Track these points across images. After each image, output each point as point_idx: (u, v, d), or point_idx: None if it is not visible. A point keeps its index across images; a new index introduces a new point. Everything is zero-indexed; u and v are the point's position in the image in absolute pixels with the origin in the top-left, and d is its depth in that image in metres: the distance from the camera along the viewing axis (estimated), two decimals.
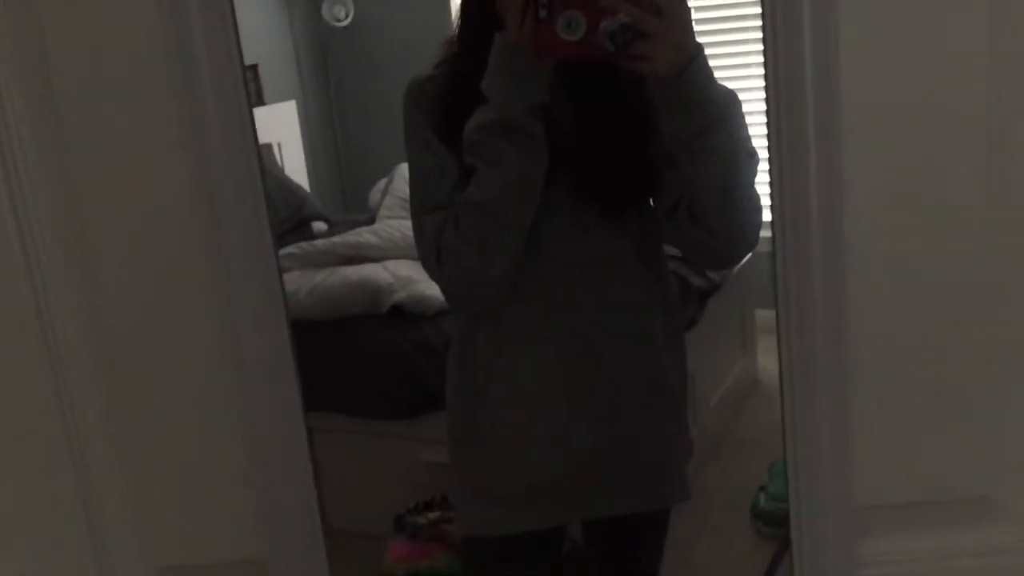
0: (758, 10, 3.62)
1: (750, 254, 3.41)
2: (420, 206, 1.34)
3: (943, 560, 0.99)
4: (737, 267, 3.25)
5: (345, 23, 4.53)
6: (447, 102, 1.30)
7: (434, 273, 1.33)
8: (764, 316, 3.60)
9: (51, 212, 1.05)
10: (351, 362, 2.72)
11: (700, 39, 1.20)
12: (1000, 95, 0.88)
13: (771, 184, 0.96)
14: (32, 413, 1.11)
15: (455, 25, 1.37)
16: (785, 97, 0.95)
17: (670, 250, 1.44)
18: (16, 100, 1.01)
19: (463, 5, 1.35)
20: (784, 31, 0.91)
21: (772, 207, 0.99)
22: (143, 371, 1.12)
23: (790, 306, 1.00)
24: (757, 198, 1.28)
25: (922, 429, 0.98)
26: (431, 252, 1.30)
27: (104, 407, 1.12)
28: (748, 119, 1.25)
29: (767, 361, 3.58)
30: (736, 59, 3.97)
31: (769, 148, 0.96)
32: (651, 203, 1.38)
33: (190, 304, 1.10)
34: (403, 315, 2.76)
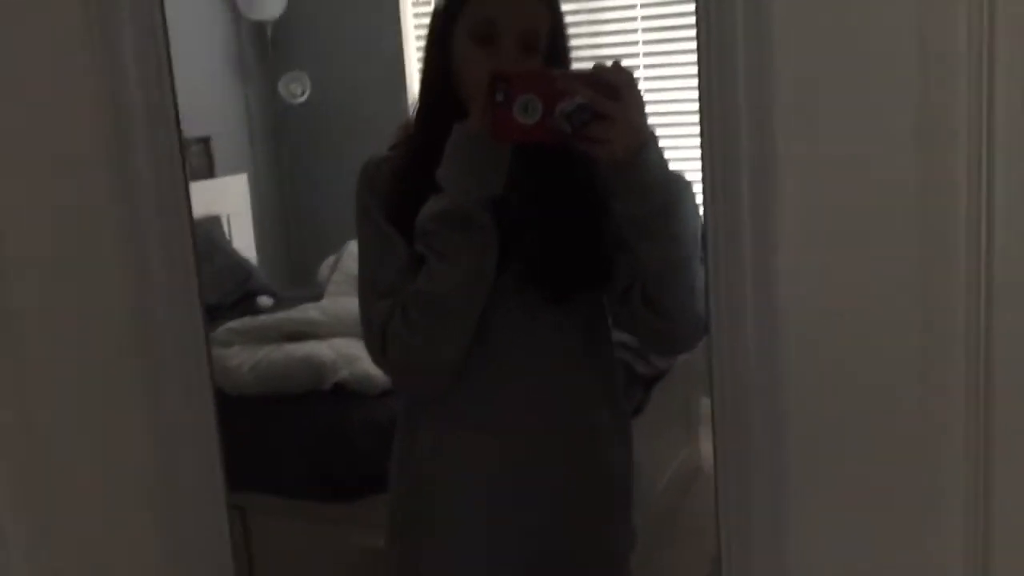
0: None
1: (696, 345, 3.43)
2: (367, 289, 1.32)
3: None
4: (681, 356, 3.26)
5: (301, 100, 4.56)
6: (401, 186, 1.30)
7: (378, 358, 1.31)
8: (708, 404, 3.62)
9: None
10: (291, 440, 2.66)
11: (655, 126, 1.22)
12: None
13: (707, 271, 0.97)
14: None
15: (412, 108, 1.38)
16: (721, 184, 0.96)
17: (616, 337, 1.44)
18: None
19: (422, 89, 1.36)
20: (720, 112, 0.93)
21: (707, 299, 0.99)
22: (59, 430, 1.08)
23: (725, 395, 1.00)
24: None
25: (858, 525, 0.98)
26: (376, 338, 1.29)
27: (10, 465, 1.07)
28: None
29: (711, 449, 3.57)
30: (686, 151, 4.06)
31: (706, 233, 0.97)
32: (601, 299, 1.38)
33: (113, 370, 1.07)
34: (347, 393, 2.72)
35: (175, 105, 1.01)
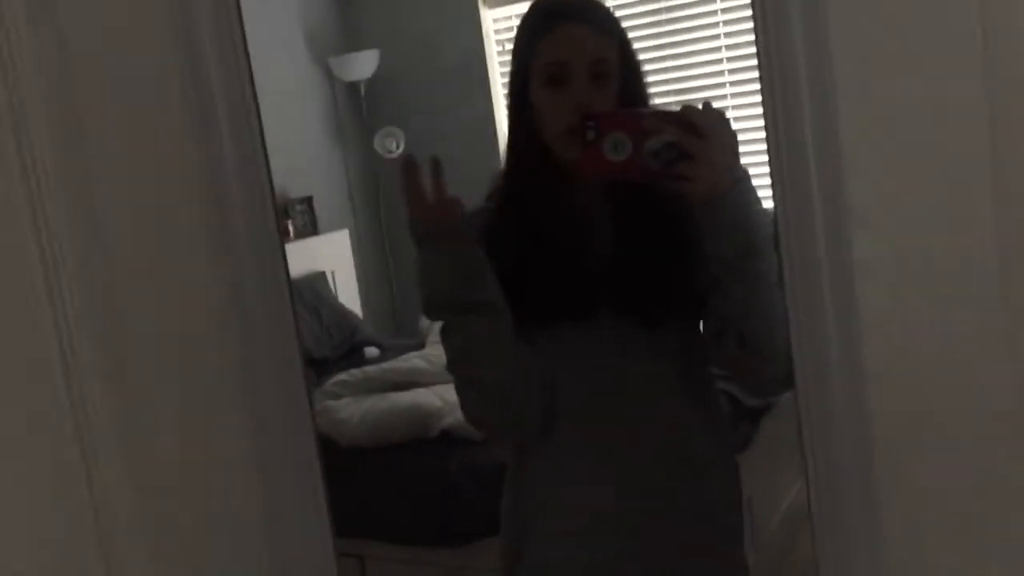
0: None
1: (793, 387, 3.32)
2: None
3: None
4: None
5: (396, 154, 4.69)
6: (499, 236, 1.33)
7: (460, 408, 1.36)
8: None
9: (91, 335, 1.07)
10: (401, 487, 2.71)
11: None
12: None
13: (789, 316, 0.96)
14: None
15: (503, 158, 1.42)
16: (795, 231, 0.94)
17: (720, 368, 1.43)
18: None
19: (509, 144, 1.40)
20: (788, 167, 0.93)
21: (794, 360, 0.99)
22: (168, 492, 1.12)
23: (816, 441, 0.98)
24: None
25: (957, 553, 0.95)
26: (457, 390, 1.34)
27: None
28: None
29: None
30: None
31: (788, 297, 0.96)
32: (697, 324, 1.38)
33: (219, 421, 1.11)
34: (453, 440, 2.75)
35: (268, 169, 1.07)
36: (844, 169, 0.89)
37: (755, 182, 1.22)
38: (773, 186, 0.92)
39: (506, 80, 4.74)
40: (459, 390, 1.31)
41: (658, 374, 1.35)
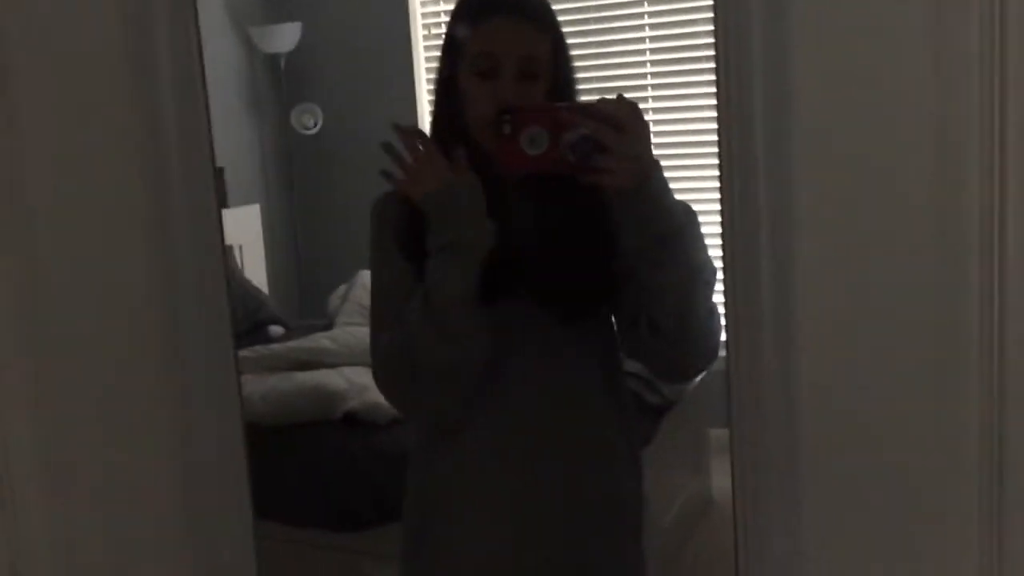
0: (715, 137, 3.67)
1: (705, 372, 3.42)
2: (378, 318, 1.35)
3: None
4: (691, 386, 3.26)
5: (313, 131, 4.61)
6: (410, 221, 1.32)
7: (381, 388, 1.35)
8: (719, 435, 3.61)
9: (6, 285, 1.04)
10: (301, 469, 2.67)
11: (662, 162, 1.25)
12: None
13: (725, 300, 0.98)
14: None
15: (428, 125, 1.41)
16: (739, 218, 0.97)
17: (627, 367, 1.45)
18: None
19: (433, 128, 1.39)
20: (738, 139, 0.95)
21: (726, 324, 1.01)
22: (89, 470, 1.09)
23: (743, 425, 1.01)
24: (716, 310, 1.31)
25: (875, 550, 0.98)
26: (375, 368, 1.33)
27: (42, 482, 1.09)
28: (707, 238, 1.29)
29: (721, 481, 3.57)
30: (692, 183, 4.08)
31: (724, 267, 0.98)
32: (611, 319, 1.40)
33: (143, 396, 1.08)
34: (357, 423, 2.73)
35: (210, 133, 1.04)
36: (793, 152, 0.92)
37: (666, 173, 1.24)
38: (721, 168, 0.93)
39: (429, 65, 4.71)
40: (427, 342, 1.25)
41: (573, 366, 1.37)
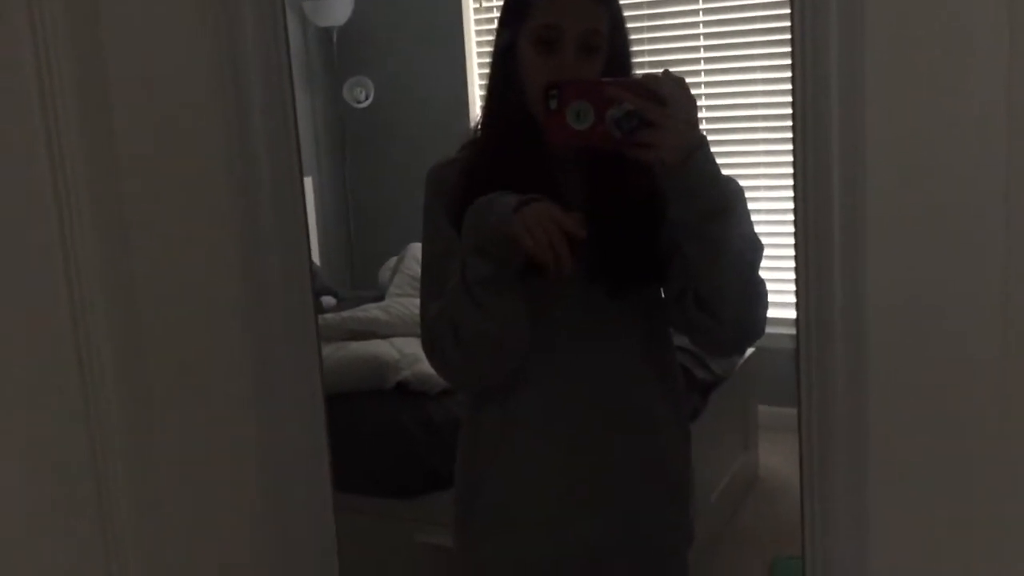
0: (769, 111, 3.68)
1: (753, 349, 3.41)
2: (428, 288, 1.37)
3: None
4: (740, 362, 3.26)
5: (365, 104, 4.64)
6: (465, 189, 1.34)
7: (427, 356, 1.37)
8: (766, 412, 3.60)
9: (99, 257, 1.08)
10: (353, 438, 2.72)
11: (712, 138, 1.25)
12: None
13: (796, 279, 0.99)
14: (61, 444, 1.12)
15: (478, 114, 1.42)
16: (812, 197, 0.97)
17: (676, 342, 1.46)
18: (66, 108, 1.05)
19: (488, 97, 1.40)
20: (813, 125, 0.95)
21: (797, 304, 1.02)
22: (176, 436, 1.13)
23: (812, 400, 1.01)
24: (762, 286, 1.31)
25: (944, 526, 0.99)
26: (426, 338, 1.35)
27: (132, 461, 1.13)
28: (753, 215, 1.29)
29: (768, 458, 3.56)
30: (744, 158, 4.05)
31: (796, 244, 0.99)
32: (659, 293, 1.41)
33: (225, 369, 1.12)
34: (408, 393, 2.77)
35: (294, 105, 1.07)
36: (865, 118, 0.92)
37: (716, 149, 1.25)
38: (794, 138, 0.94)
39: (480, 39, 4.70)
40: (459, 345, 1.29)
41: (622, 337, 1.39)
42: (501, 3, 1.38)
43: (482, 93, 1.44)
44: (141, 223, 1.09)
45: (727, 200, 1.24)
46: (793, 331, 1.02)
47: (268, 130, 1.06)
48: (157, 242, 1.10)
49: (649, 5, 4.16)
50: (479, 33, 4.56)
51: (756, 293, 1.30)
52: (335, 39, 4.62)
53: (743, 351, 3.01)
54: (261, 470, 1.14)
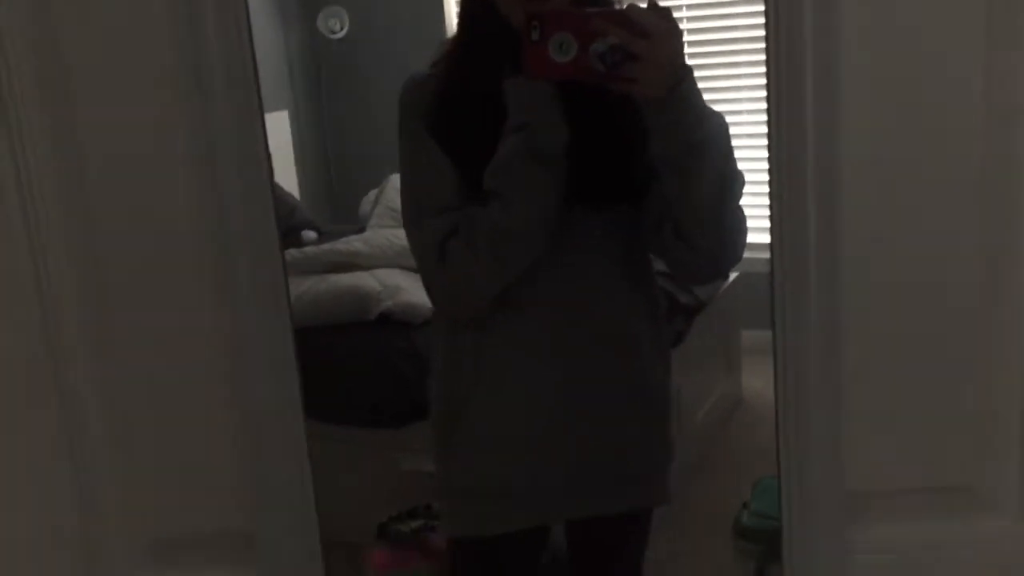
0: (751, 33, 3.66)
1: (736, 273, 3.42)
2: (418, 207, 1.34)
3: (933, 549, 1.01)
4: (723, 286, 3.27)
5: (340, 35, 4.55)
6: (446, 104, 1.31)
7: (431, 276, 1.34)
8: (750, 336, 3.62)
9: (56, 197, 1.06)
10: (337, 369, 2.72)
11: (691, 62, 1.22)
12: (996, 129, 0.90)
13: (770, 205, 0.98)
14: (27, 384, 1.11)
15: (454, 24, 1.39)
16: (785, 123, 0.96)
17: (659, 266, 1.45)
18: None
19: (463, 7, 1.37)
20: (786, 52, 0.93)
21: (771, 229, 1.01)
22: (141, 353, 1.12)
23: (786, 308, 1.01)
24: (742, 217, 1.31)
25: (912, 420, 1.00)
26: (432, 255, 1.30)
27: (99, 383, 1.12)
28: (736, 143, 1.27)
29: (752, 381, 3.59)
30: (727, 82, 4.01)
31: (770, 171, 0.98)
32: (639, 216, 1.40)
33: (193, 297, 1.11)
34: (391, 323, 2.77)
35: (251, 39, 1.05)
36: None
37: (701, 81, 1.23)
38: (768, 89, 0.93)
39: None
40: (478, 252, 1.27)
41: (603, 259, 1.38)
42: None
43: (457, 15, 1.39)
44: (96, 155, 1.07)
45: (710, 134, 1.23)
46: None
47: (224, 58, 1.03)
48: (114, 173, 1.07)
49: None
50: None
51: (734, 225, 1.30)
52: None
53: (719, 278, 3.01)
54: (230, 397, 1.14)
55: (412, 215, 1.35)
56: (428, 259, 1.31)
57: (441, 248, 1.29)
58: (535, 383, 1.37)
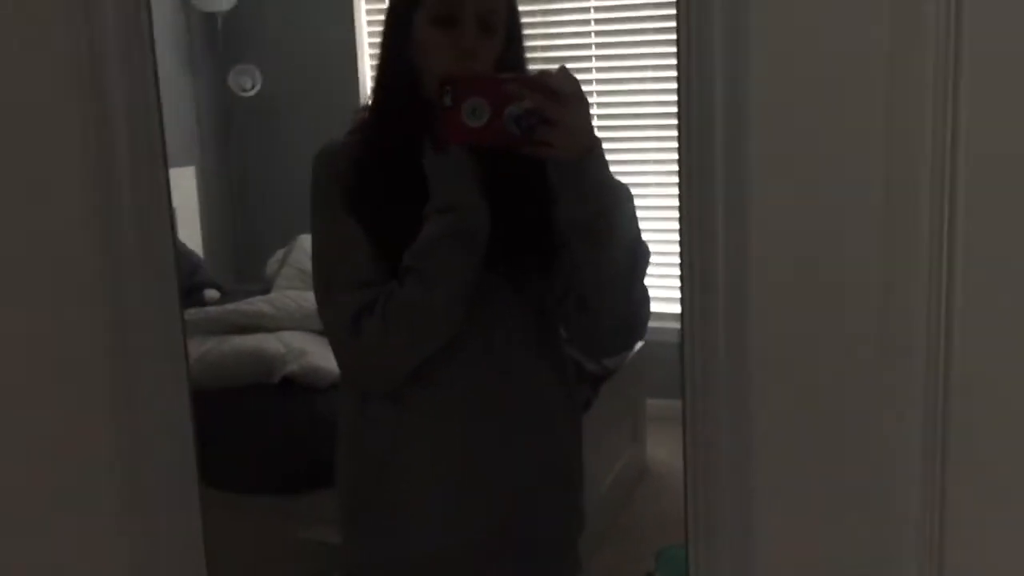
0: (657, 109, 3.75)
1: (642, 342, 3.44)
2: (330, 280, 1.31)
3: None
4: (630, 355, 3.30)
5: (251, 93, 4.52)
6: (361, 175, 1.30)
7: (343, 351, 1.31)
8: (655, 405, 3.66)
9: None
10: (237, 434, 2.64)
11: (601, 134, 1.25)
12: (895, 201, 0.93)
13: (681, 272, 0.99)
14: None
15: (369, 93, 1.38)
16: (696, 196, 0.98)
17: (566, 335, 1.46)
18: None
19: (380, 76, 1.36)
20: (697, 127, 0.95)
21: (681, 299, 1.02)
22: (20, 410, 1.07)
23: (696, 392, 1.02)
24: (645, 291, 1.32)
25: (822, 514, 1.01)
26: (344, 330, 1.27)
27: None
28: (641, 214, 1.29)
29: (657, 451, 3.62)
30: (634, 155, 4.10)
31: (681, 242, 0.99)
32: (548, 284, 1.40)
33: (84, 355, 1.06)
34: (294, 387, 2.71)
35: (158, 92, 1.02)
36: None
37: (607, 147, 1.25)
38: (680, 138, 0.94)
39: (372, 28, 4.63)
40: (395, 329, 1.25)
41: (515, 329, 1.37)
42: None
43: (372, 85, 1.39)
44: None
45: (617, 200, 1.24)
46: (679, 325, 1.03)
47: (129, 115, 1.00)
48: (5, 234, 1.03)
49: (541, 0, 4.17)
50: (371, 23, 4.49)
51: (639, 299, 1.31)
52: (220, 25, 4.49)
53: (619, 353, 3.04)
54: (123, 468, 1.08)
55: (323, 288, 1.32)
56: (340, 334, 1.29)
57: (355, 324, 1.26)
58: (447, 454, 1.35)
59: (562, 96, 1.17)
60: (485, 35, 1.27)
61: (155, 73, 1.02)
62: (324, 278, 1.33)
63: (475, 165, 1.27)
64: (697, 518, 1.05)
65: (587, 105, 1.21)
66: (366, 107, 1.39)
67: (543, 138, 1.18)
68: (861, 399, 0.97)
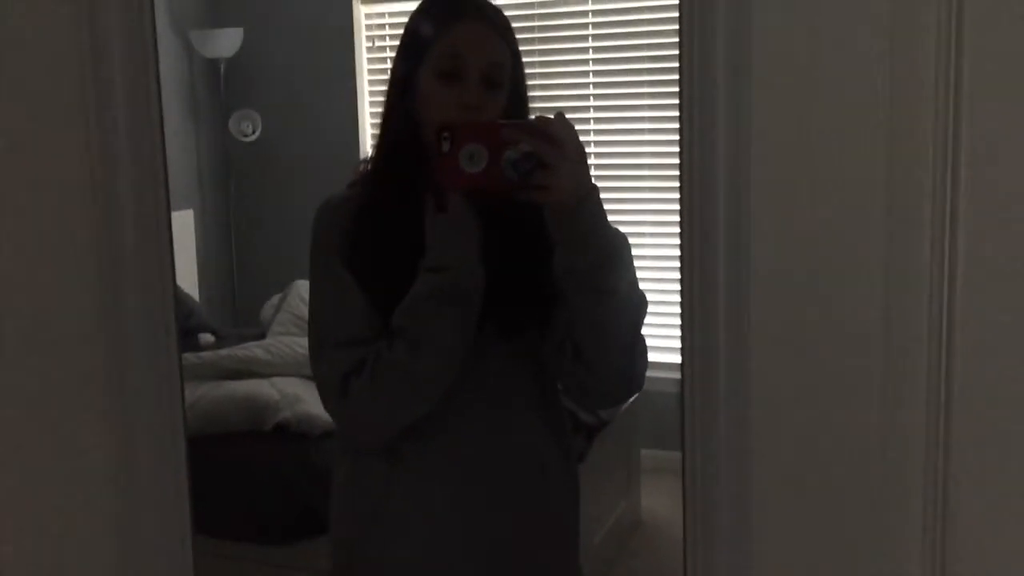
0: (655, 160, 3.76)
1: (636, 394, 3.45)
2: (324, 336, 1.31)
3: None
4: (624, 406, 3.28)
5: (252, 138, 4.55)
6: (362, 230, 1.30)
7: (333, 407, 1.30)
8: (650, 456, 3.63)
9: None
10: (229, 481, 2.62)
11: (599, 184, 1.25)
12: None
13: (681, 326, 0.99)
14: None
15: (370, 147, 1.39)
16: (698, 243, 0.98)
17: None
18: None
19: (383, 129, 1.36)
20: (700, 174, 0.96)
21: (682, 350, 1.02)
22: (22, 454, 1.06)
23: (696, 449, 1.02)
24: (642, 342, 1.31)
25: (817, 551, 1.00)
26: (334, 388, 1.27)
27: None
28: (639, 264, 1.29)
29: (651, 502, 3.59)
30: (631, 204, 4.12)
31: (682, 292, 0.99)
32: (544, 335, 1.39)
33: (80, 398, 1.06)
34: (287, 434, 2.69)
35: (162, 137, 1.03)
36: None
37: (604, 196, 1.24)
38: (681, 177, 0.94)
39: (373, 77, 4.66)
40: (383, 391, 1.25)
41: (512, 381, 1.36)
42: (395, 43, 1.35)
43: (373, 132, 1.39)
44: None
45: (614, 250, 1.23)
46: (676, 376, 1.02)
47: (134, 154, 1.02)
48: (7, 275, 1.03)
49: (540, 52, 4.22)
50: (371, 72, 4.54)
51: (635, 347, 1.30)
52: (223, 71, 4.53)
53: (616, 404, 3.02)
54: (118, 513, 1.08)
55: (316, 344, 1.32)
56: (329, 392, 1.29)
57: (343, 384, 1.26)
58: (441, 511, 1.33)
59: (559, 141, 1.18)
60: (490, 90, 1.28)
61: (160, 118, 1.03)
62: (317, 334, 1.32)
63: (476, 225, 1.27)
64: (696, 573, 1.04)
65: (584, 150, 1.21)
66: (368, 160, 1.39)
67: (541, 182, 1.18)
68: (863, 454, 0.97)
